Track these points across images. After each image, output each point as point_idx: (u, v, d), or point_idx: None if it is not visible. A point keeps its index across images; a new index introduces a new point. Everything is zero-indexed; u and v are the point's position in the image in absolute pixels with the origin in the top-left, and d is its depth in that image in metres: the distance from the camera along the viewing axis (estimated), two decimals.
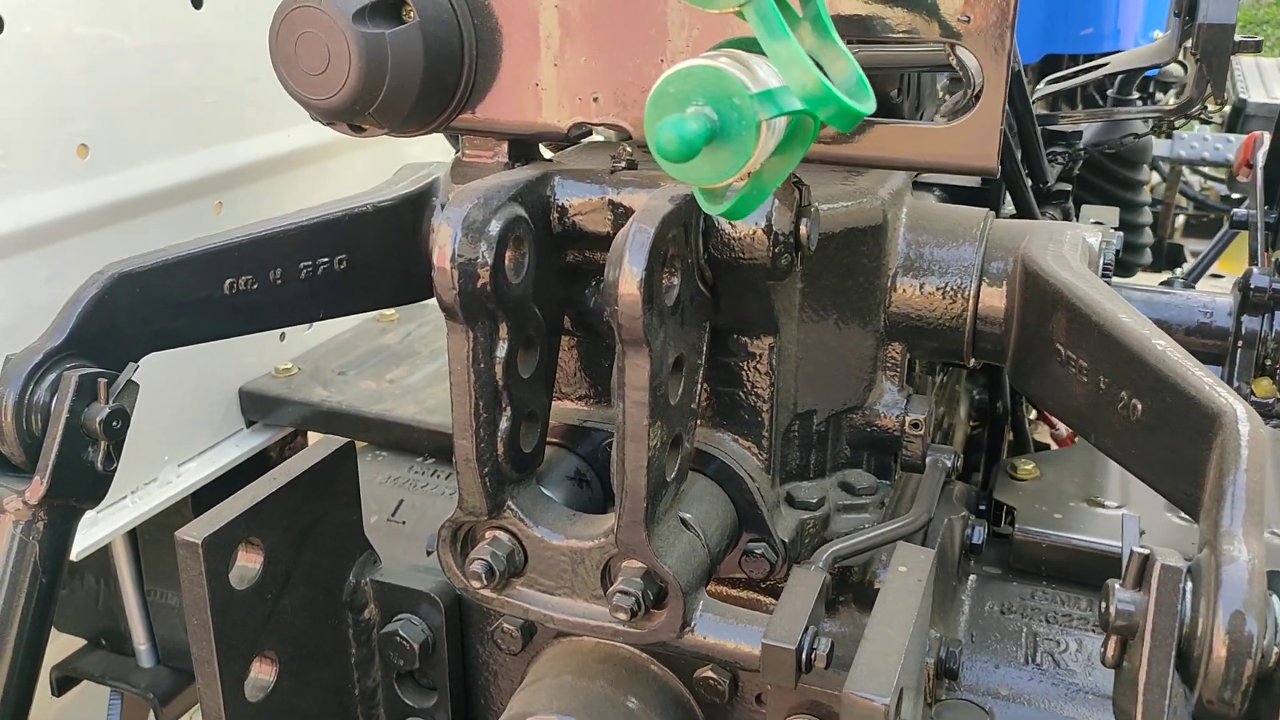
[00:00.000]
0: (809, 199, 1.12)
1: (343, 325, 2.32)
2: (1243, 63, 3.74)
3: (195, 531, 1.16)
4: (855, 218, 1.27)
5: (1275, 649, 0.84)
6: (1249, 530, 0.87)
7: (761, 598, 1.37)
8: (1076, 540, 1.57)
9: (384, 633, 1.41)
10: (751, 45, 0.82)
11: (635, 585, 1.13)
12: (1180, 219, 3.93)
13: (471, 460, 1.14)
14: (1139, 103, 2.38)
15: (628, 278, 0.99)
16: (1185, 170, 3.92)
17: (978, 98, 0.98)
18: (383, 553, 1.47)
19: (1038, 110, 1.89)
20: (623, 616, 1.12)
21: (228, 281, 1.39)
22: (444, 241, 1.04)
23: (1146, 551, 0.88)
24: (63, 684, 2.17)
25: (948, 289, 1.31)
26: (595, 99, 1.11)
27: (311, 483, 1.30)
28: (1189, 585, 0.86)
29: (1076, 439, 2.03)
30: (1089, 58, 2.69)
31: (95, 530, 1.74)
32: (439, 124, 1.17)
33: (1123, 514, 0.93)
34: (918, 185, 1.77)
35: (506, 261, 1.08)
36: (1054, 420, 2.35)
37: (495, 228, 1.06)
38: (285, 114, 2.02)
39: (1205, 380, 0.98)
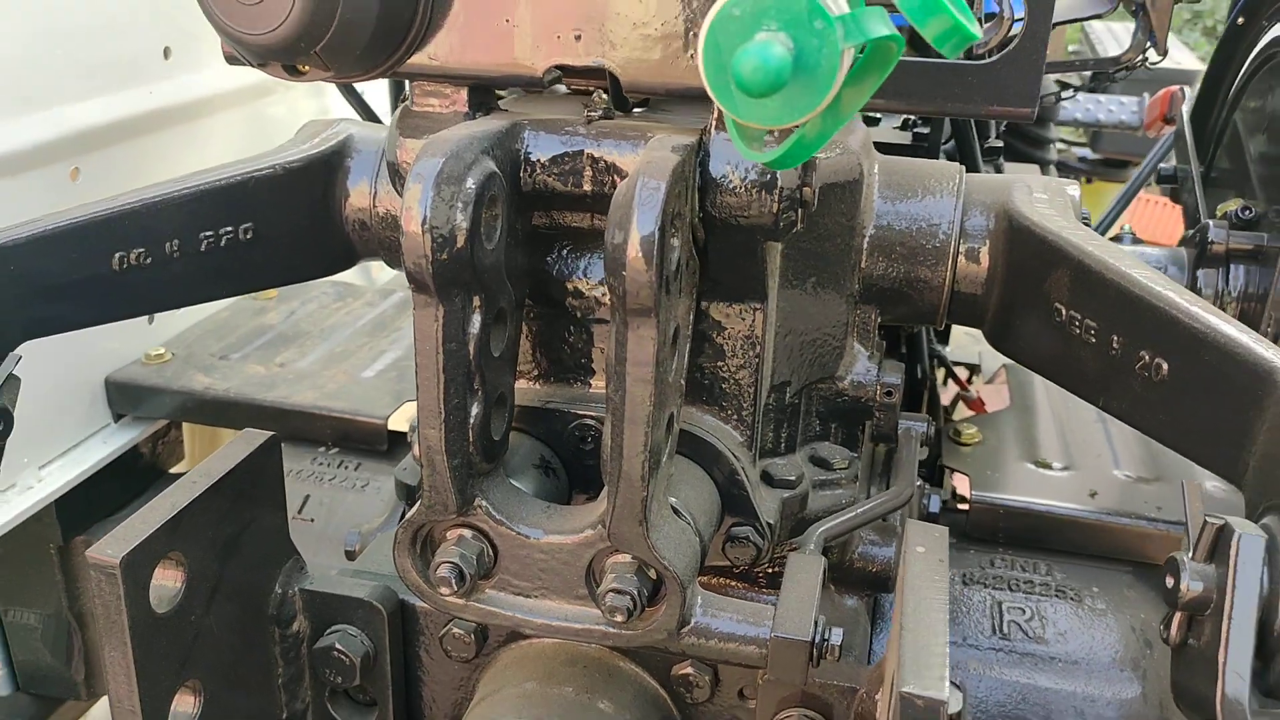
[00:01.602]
0: None
1: (213, 305, 2.09)
2: (1094, 27, 3.84)
3: (111, 549, 0.97)
4: (833, 172, 1.18)
5: None
6: None
7: (746, 587, 1.27)
8: (1032, 504, 1.54)
9: (318, 648, 1.25)
10: None
11: (629, 582, 1.02)
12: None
13: (440, 452, 1.00)
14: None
15: (636, 240, 0.87)
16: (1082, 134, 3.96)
17: (1010, 33, 0.89)
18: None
19: None
20: (619, 618, 1.01)
21: (117, 255, 1.21)
22: (414, 203, 0.90)
23: (1220, 522, 0.82)
24: None
25: (925, 249, 1.24)
26: (577, 37, 0.97)
27: (236, 484, 1.13)
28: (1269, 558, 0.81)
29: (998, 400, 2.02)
30: None
31: None
32: (388, 67, 1.01)
33: (1183, 482, 0.88)
34: None
35: (482, 225, 0.94)
36: (965, 382, 2.34)
37: (471, 186, 0.92)
38: (148, 68, 1.80)
39: (1246, 337, 0.93)
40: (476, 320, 0.98)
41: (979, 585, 1.49)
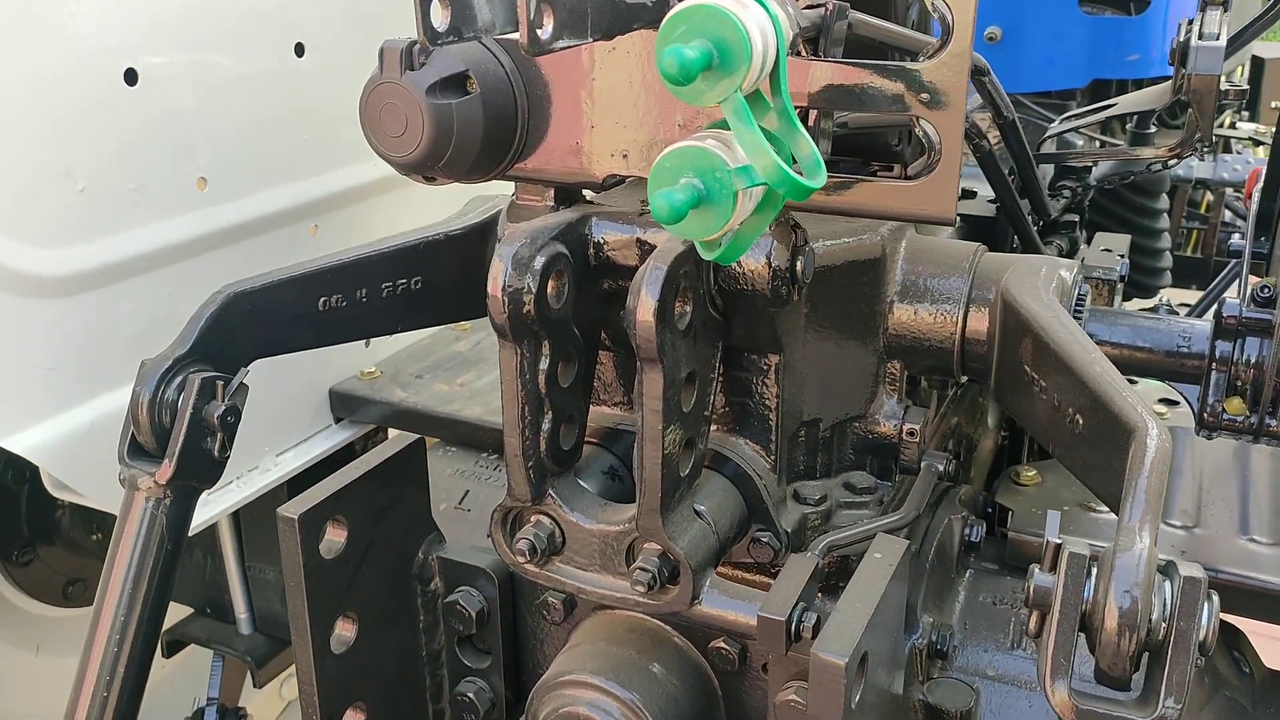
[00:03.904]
0: (804, 239, 1.32)
1: (421, 333, 2.57)
2: None
3: (292, 509, 1.40)
4: (855, 252, 1.46)
5: (1163, 624, 1.02)
6: (1144, 525, 1.05)
7: (770, 580, 1.56)
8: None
9: (447, 602, 1.64)
10: None
11: (652, 563, 1.34)
12: (1235, 237, 3.99)
13: (518, 455, 1.36)
14: (1156, 134, 2.51)
15: (644, 306, 1.20)
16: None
17: (938, 160, 1.17)
18: (451, 536, 1.70)
19: (1050, 149, 2.05)
20: (641, 589, 1.34)
21: (321, 299, 1.64)
22: (496, 274, 1.27)
23: (1059, 540, 1.06)
24: (172, 647, 2.46)
25: (939, 314, 1.50)
26: (625, 155, 1.32)
27: (387, 471, 1.53)
28: (1093, 569, 1.05)
29: None
30: (1137, 83, 2.82)
31: (206, 510, 2.01)
32: (497, 174, 1.39)
33: (1048, 511, 1.11)
34: None
35: (548, 290, 1.30)
36: None
37: (540, 263, 1.29)
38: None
39: (1129, 399, 1.15)
40: (546, 360, 1.34)
41: (1006, 606, 1.70)
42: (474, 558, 1.63)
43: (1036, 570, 1.07)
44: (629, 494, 1.54)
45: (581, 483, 1.45)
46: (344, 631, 1.53)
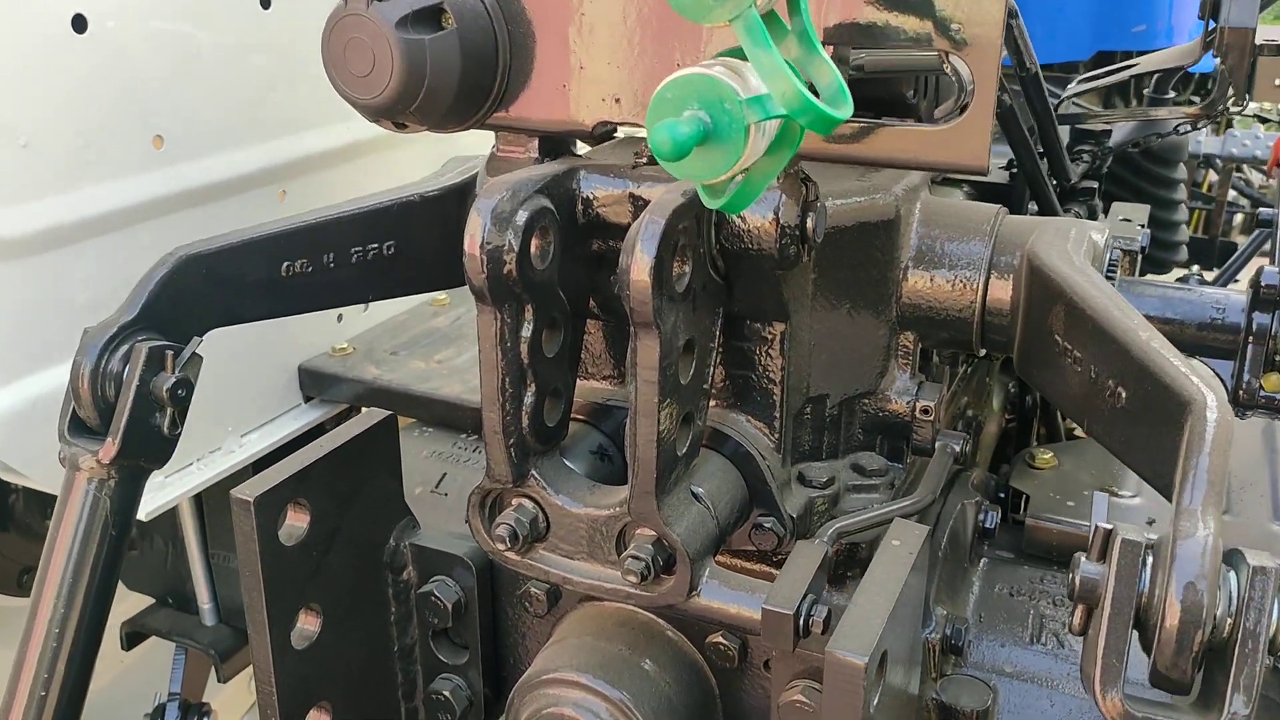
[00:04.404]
0: (816, 194, 1.20)
1: (398, 308, 2.44)
2: None
3: (248, 490, 1.27)
4: (868, 212, 1.34)
5: (1228, 620, 0.91)
6: (1208, 509, 0.93)
7: (772, 570, 1.44)
8: (1087, 527, 1.62)
9: (420, 593, 1.51)
10: (745, 55, 0.90)
11: (646, 551, 1.21)
12: (1239, 217, 3.90)
13: (498, 431, 1.23)
14: (1173, 102, 2.40)
15: (639, 265, 1.07)
16: (1246, 168, 3.89)
17: (969, 102, 1.04)
18: (426, 522, 1.57)
19: (1070, 109, 1.93)
20: (633, 579, 1.21)
21: (285, 264, 1.50)
22: (474, 230, 1.14)
23: (1110, 526, 0.94)
24: (132, 639, 2.33)
25: (957, 281, 1.38)
26: (617, 100, 1.19)
27: (355, 451, 1.40)
28: (1149, 559, 0.93)
29: None
30: (1141, 54, 2.70)
31: (163, 493, 1.87)
32: (475, 121, 1.26)
33: (1094, 492, 0.99)
34: (947, 182, 1.83)
35: (532, 249, 1.17)
36: None
37: (522, 218, 1.16)
38: (345, 108, 2.14)
39: (1181, 369, 1.03)
40: (529, 326, 1.21)
41: (1024, 597, 1.58)
42: (450, 545, 1.51)
43: (1083, 560, 0.96)
44: (619, 475, 1.41)
45: (567, 462, 1.33)
46: (307, 625, 1.41)
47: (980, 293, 1.37)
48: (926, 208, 1.41)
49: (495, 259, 1.14)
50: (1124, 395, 1.11)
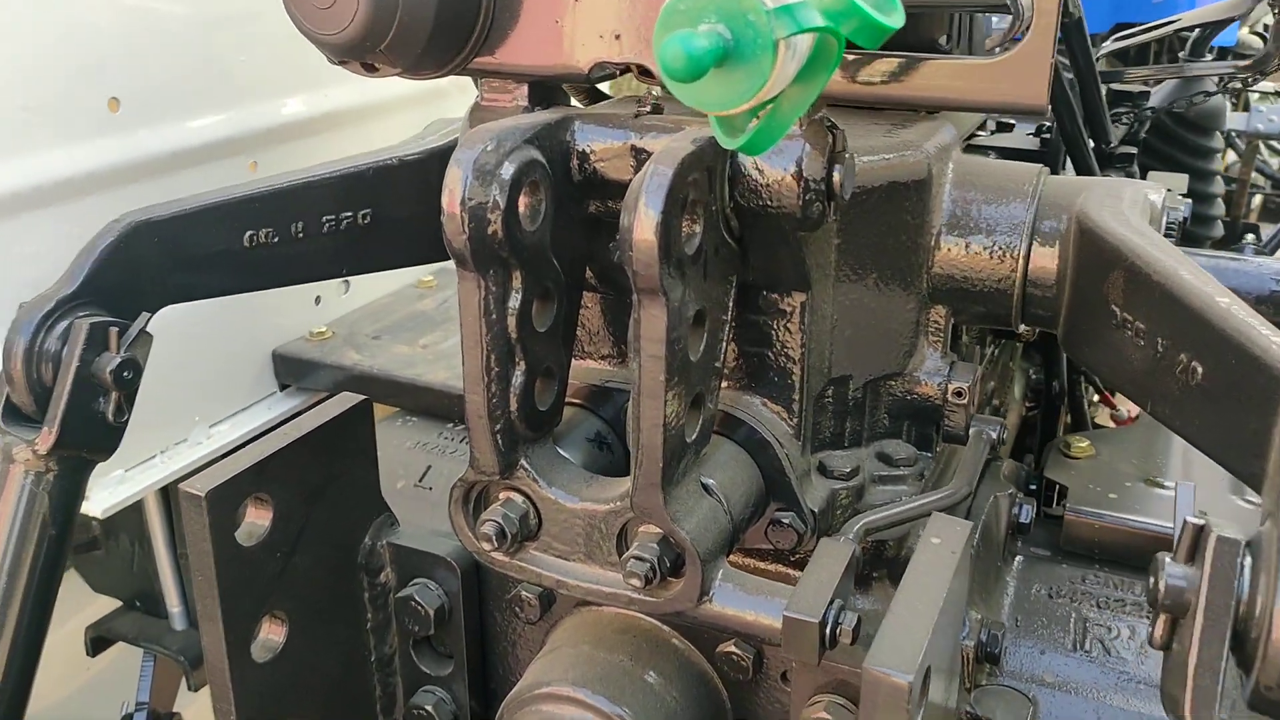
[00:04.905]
0: (844, 144, 1.05)
1: (381, 290, 2.29)
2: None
3: (199, 484, 1.12)
4: (898, 171, 1.19)
5: None
6: None
7: (791, 571, 1.30)
8: (1132, 522, 1.48)
9: (400, 597, 1.37)
10: None
11: (650, 551, 1.07)
12: (1258, 199, 3.76)
13: (483, 416, 1.09)
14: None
15: (643, 223, 0.93)
16: (1262, 149, 3.75)
17: (1027, 30, 0.90)
18: (408, 519, 1.43)
19: (1104, 68, 1.79)
20: (636, 583, 1.07)
21: (248, 234, 1.36)
22: (453, 184, 0.99)
23: (1201, 522, 0.80)
24: (97, 644, 2.18)
25: (995, 248, 1.24)
26: (617, 37, 1.05)
27: (325, 439, 1.26)
28: (1247, 560, 0.79)
29: (1139, 416, 1.93)
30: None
31: (123, 488, 1.73)
32: (456, 65, 1.11)
33: (1177, 482, 0.86)
34: (971, 148, 1.69)
35: (520, 207, 1.03)
36: (1115, 400, 2.24)
37: (508, 171, 1.01)
38: (321, 72, 1.99)
39: (1274, 340, 0.89)
40: (517, 296, 1.07)
41: (1065, 599, 1.44)
42: (432, 544, 1.37)
43: (1168, 561, 0.81)
44: (620, 466, 1.26)
45: (561, 451, 1.18)
46: (271, 635, 1.26)
47: (1021, 261, 1.23)
48: (960, 167, 1.27)
49: (478, 218, 0.99)
50: (1200, 371, 0.97)
